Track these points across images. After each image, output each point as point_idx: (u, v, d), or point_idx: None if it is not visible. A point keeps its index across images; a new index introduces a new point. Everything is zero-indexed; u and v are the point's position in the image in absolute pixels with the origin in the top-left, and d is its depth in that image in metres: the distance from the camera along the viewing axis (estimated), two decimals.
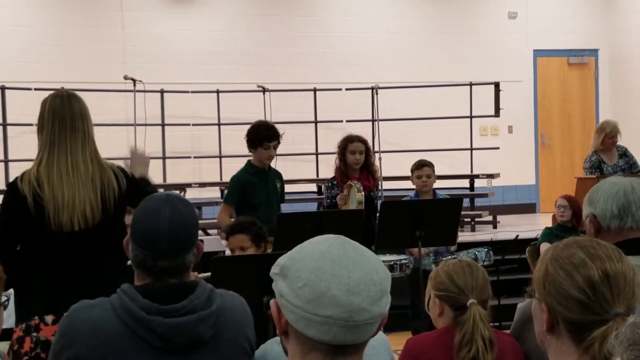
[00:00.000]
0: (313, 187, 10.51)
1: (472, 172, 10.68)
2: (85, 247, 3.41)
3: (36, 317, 3.32)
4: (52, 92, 3.61)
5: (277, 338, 1.62)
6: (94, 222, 3.42)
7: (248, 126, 6.02)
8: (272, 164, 6.16)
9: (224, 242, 4.92)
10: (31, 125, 9.49)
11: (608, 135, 7.83)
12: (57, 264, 3.41)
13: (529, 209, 12.06)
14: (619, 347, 1.23)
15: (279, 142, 5.91)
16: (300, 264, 1.47)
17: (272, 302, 1.52)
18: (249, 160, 6.00)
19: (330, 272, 1.45)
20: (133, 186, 3.58)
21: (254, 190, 5.83)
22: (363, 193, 5.98)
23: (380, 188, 7.81)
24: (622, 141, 8.26)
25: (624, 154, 7.94)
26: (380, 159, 8.78)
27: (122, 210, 3.55)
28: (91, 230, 3.42)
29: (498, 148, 10.99)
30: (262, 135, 5.82)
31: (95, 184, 3.43)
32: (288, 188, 9.01)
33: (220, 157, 10.65)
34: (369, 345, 1.54)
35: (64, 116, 3.47)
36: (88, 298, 2.20)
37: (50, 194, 3.36)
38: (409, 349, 2.87)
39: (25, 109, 9.81)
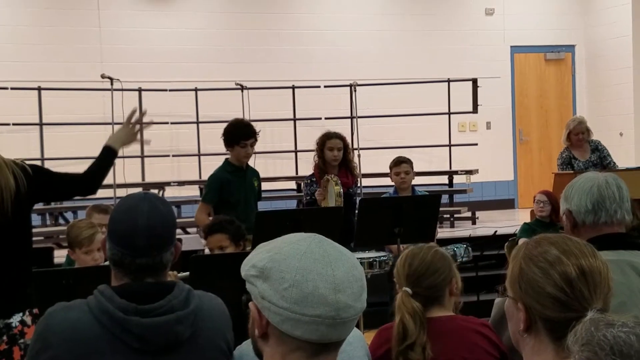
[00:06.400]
0: (292, 184, 10.50)
1: (450, 168, 10.72)
2: None
3: None
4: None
5: None
6: None
7: (227, 124, 6.00)
8: (252, 162, 6.15)
9: (203, 241, 4.90)
10: (8, 124, 9.50)
11: (573, 132, 7.84)
12: None
13: (508, 204, 12.13)
14: (573, 346, 1.19)
15: (256, 140, 5.89)
16: (283, 265, 1.46)
17: (251, 304, 1.51)
18: (226, 159, 5.98)
19: (316, 271, 1.44)
20: (41, 180, 3.37)
21: (232, 189, 5.82)
22: (341, 186, 6.00)
23: (359, 185, 7.82)
24: (598, 136, 8.28)
25: (596, 148, 7.92)
26: (359, 156, 8.79)
27: (22, 213, 3.32)
28: None
29: (476, 144, 11.05)
30: (239, 134, 5.81)
31: None
32: (267, 186, 9.00)
33: (199, 155, 10.63)
34: (345, 341, 1.54)
35: None
36: None
37: None
38: (379, 334, 2.95)
39: (1, 108, 9.75)
